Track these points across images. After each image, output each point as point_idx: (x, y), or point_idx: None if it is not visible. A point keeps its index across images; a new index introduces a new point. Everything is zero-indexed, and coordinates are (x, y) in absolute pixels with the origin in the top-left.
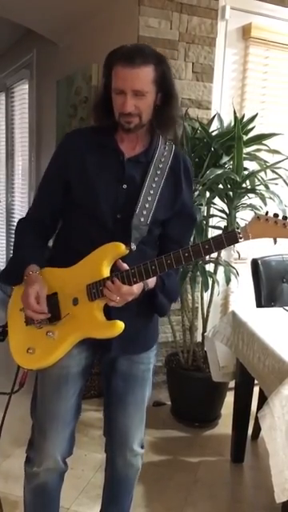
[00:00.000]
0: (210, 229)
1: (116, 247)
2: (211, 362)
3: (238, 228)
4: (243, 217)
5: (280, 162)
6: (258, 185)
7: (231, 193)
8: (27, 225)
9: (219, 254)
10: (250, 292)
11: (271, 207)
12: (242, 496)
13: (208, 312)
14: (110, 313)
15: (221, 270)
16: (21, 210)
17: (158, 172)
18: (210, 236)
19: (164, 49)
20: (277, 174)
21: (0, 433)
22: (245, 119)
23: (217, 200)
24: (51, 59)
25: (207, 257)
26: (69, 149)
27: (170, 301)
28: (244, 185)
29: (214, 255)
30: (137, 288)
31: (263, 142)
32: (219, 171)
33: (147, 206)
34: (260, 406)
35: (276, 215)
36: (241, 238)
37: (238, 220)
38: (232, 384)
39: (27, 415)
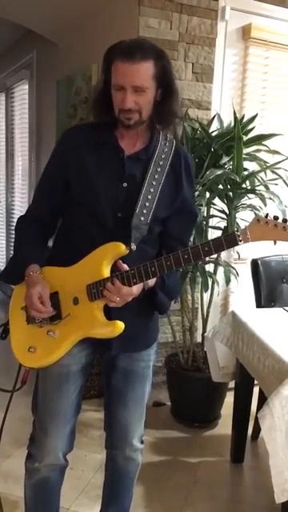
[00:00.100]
0: (209, 229)
1: (116, 247)
2: (211, 363)
3: (237, 230)
4: (243, 217)
5: (280, 162)
6: (258, 185)
7: (231, 193)
8: (27, 223)
9: (219, 255)
10: (250, 292)
11: (271, 208)
12: (241, 496)
13: (208, 312)
14: (111, 312)
15: (221, 270)
16: (21, 210)
17: (159, 169)
18: (209, 236)
19: (164, 49)
20: (277, 174)
21: (0, 434)
22: (245, 120)
23: (217, 200)
24: (51, 59)
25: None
26: (68, 148)
27: (170, 299)
28: (244, 185)
29: (214, 255)
30: (136, 289)
31: (263, 142)
32: (219, 172)
33: (147, 204)
34: (260, 407)
35: (276, 218)
36: (240, 241)
37: (237, 220)
38: (232, 384)
39: (27, 415)
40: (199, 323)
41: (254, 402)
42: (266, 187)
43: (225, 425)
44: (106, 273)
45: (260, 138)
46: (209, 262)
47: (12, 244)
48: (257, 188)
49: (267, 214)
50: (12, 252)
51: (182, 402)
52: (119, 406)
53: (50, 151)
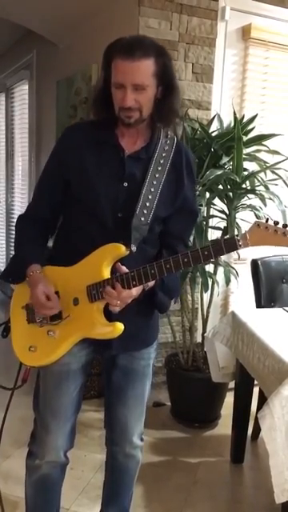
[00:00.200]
0: (209, 229)
1: (116, 248)
2: (211, 363)
3: (237, 235)
4: (243, 217)
5: (280, 162)
6: (258, 185)
7: (231, 193)
8: (27, 222)
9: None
10: (250, 292)
11: (271, 208)
12: (241, 497)
13: (208, 313)
14: (110, 312)
15: (220, 270)
16: (20, 210)
17: (159, 168)
18: (209, 237)
19: None
20: (276, 174)
21: (1, 435)
22: (245, 120)
23: (217, 201)
24: (51, 60)
25: None
26: (68, 147)
27: (170, 298)
28: (244, 185)
29: None
30: (136, 291)
31: (263, 142)
32: (219, 172)
33: (148, 204)
34: (260, 407)
35: (276, 223)
36: (240, 246)
37: (237, 220)
38: (232, 384)
39: (27, 415)
40: (199, 323)
41: (254, 402)
42: (266, 187)
43: (225, 425)
44: (106, 274)
45: (260, 138)
46: (209, 263)
47: (12, 244)
48: (257, 188)
49: (268, 219)
50: (12, 252)
51: (181, 402)
52: (119, 404)
53: (50, 151)
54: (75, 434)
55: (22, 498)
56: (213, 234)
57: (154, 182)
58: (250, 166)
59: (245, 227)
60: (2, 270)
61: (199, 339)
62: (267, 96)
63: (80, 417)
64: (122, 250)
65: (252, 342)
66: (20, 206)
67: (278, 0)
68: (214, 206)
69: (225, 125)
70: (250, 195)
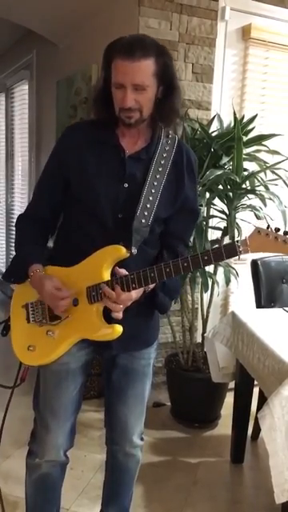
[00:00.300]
0: (209, 230)
1: (117, 250)
2: (211, 363)
3: (237, 241)
4: (243, 217)
5: (280, 162)
6: (258, 185)
7: (231, 193)
8: (27, 222)
9: None
10: (250, 293)
11: (271, 208)
12: (241, 497)
13: (208, 313)
14: (110, 314)
15: (220, 270)
16: (20, 211)
17: (160, 169)
18: (209, 237)
19: None
20: (276, 174)
21: (0, 435)
22: (244, 120)
23: (217, 201)
24: (51, 60)
25: None
26: (68, 147)
27: (170, 299)
28: (244, 185)
29: None
30: (136, 293)
31: (263, 142)
32: (219, 172)
33: (148, 206)
34: (260, 407)
35: (277, 230)
36: (240, 252)
37: (237, 221)
38: (232, 385)
39: (27, 415)
40: (199, 323)
41: (254, 402)
42: (266, 187)
43: (225, 425)
44: (106, 276)
45: (260, 139)
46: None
47: (12, 244)
48: (257, 188)
49: (268, 226)
50: (12, 251)
51: (181, 402)
52: (119, 403)
53: (50, 151)
54: (75, 434)
55: (22, 498)
56: (213, 234)
57: (155, 183)
58: (250, 166)
59: (245, 227)
60: (3, 270)
61: (199, 339)
62: (267, 96)
63: (80, 417)
64: (122, 252)
65: (252, 342)
66: (20, 206)
67: (278, 0)
68: (214, 206)
69: (225, 125)
70: (250, 195)
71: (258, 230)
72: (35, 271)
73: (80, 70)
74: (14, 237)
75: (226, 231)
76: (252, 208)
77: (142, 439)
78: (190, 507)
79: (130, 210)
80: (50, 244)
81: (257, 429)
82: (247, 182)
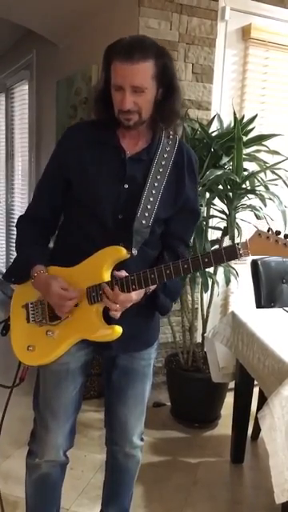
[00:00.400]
0: (209, 230)
1: (117, 251)
2: (211, 363)
3: (238, 243)
4: (243, 217)
5: (280, 162)
6: (258, 185)
7: (231, 194)
8: (27, 223)
9: None
10: (250, 293)
11: (271, 208)
12: (241, 497)
13: (208, 313)
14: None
15: (220, 270)
16: (21, 211)
17: (161, 170)
18: (209, 237)
19: None
20: (276, 174)
21: None
22: (244, 120)
23: (216, 201)
24: (51, 60)
25: None
26: (68, 148)
27: (171, 300)
28: (244, 185)
29: None
30: (136, 295)
31: (263, 142)
32: (219, 172)
33: (149, 207)
34: (260, 407)
35: (278, 233)
36: (241, 255)
37: (237, 221)
38: (232, 385)
39: (27, 415)
40: (199, 323)
41: (254, 402)
42: (266, 187)
43: (225, 425)
44: (107, 277)
45: (260, 139)
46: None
47: (12, 244)
48: (257, 188)
49: (269, 229)
50: (12, 251)
51: (181, 402)
52: (119, 403)
53: (50, 151)
54: (75, 434)
55: (22, 498)
56: (213, 234)
57: (156, 184)
58: (250, 166)
59: (245, 227)
60: (4, 270)
61: (199, 339)
62: (267, 96)
63: (80, 417)
64: (122, 253)
65: (252, 342)
66: (20, 206)
67: (278, 0)
68: (214, 206)
69: (225, 125)
70: (249, 195)
71: (258, 233)
72: (39, 272)
73: (80, 70)
74: (14, 237)
75: (225, 231)
76: (252, 208)
77: (142, 440)
78: (189, 507)
79: (130, 210)
80: (51, 245)
81: (257, 429)
82: (247, 182)
